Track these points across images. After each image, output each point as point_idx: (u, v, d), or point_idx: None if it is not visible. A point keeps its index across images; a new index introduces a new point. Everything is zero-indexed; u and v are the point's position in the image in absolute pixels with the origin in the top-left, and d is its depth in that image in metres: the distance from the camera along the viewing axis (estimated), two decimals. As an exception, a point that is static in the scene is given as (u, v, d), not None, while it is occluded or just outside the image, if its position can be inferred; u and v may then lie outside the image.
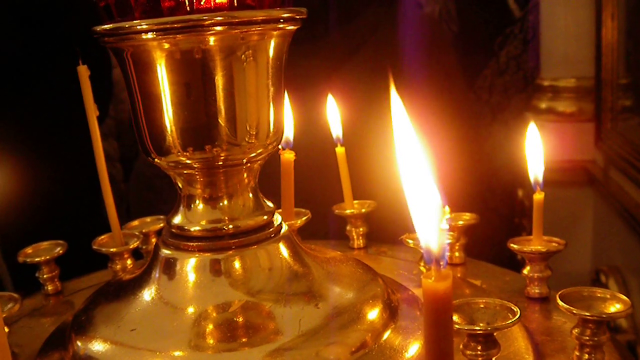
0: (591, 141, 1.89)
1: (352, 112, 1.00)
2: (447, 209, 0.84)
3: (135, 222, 0.94)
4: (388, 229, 0.85)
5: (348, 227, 0.97)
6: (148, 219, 0.95)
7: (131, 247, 0.87)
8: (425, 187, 0.40)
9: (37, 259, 0.86)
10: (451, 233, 0.81)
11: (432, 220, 0.39)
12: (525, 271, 0.77)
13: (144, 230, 0.92)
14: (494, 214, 1.86)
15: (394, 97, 0.45)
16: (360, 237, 0.96)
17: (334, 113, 0.90)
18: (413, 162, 0.41)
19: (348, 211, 0.95)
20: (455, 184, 1.42)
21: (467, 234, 0.90)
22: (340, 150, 0.90)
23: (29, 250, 0.87)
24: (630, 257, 1.60)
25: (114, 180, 2.47)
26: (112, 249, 0.86)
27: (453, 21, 2.13)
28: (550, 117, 1.98)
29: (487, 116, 2.14)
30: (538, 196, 0.76)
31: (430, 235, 0.39)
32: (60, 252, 0.87)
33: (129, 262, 0.88)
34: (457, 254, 0.89)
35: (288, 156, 0.82)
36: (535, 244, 0.77)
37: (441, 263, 0.38)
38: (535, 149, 0.78)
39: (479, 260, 0.90)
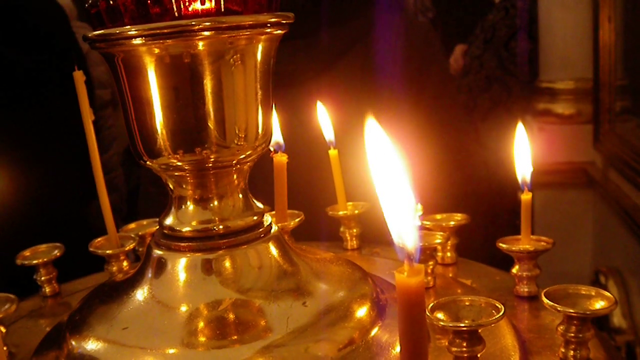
0: (590, 143, 1.90)
1: (343, 114, 1.01)
2: (419, 206, 0.86)
3: (132, 225, 0.96)
4: (381, 230, 0.86)
5: (342, 229, 0.98)
6: (144, 222, 0.96)
7: (127, 249, 0.88)
8: (398, 186, 0.42)
9: (34, 262, 0.87)
10: (442, 233, 0.82)
11: (404, 218, 0.40)
12: (514, 270, 0.78)
13: (139, 233, 0.93)
14: (496, 216, 1.86)
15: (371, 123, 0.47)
16: (354, 238, 0.97)
17: (324, 118, 0.91)
18: (385, 162, 0.43)
19: (341, 212, 0.96)
20: (456, 187, 1.43)
21: (459, 234, 0.91)
22: (333, 152, 0.91)
23: (26, 252, 0.89)
24: (630, 258, 1.61)
25: (117, 188, 2.49)
26: (108, 251, 0.88)
27: (428, 9, 2.15)
28: (549, 118, 1.99)
29: (485, 119, 2.15)
30: (525, 196, 0.77)
31: (403, 232, 0.40)
32: (58, 254, 0.88)
33: (125, 263, 0.89)
34: (448, 254, 0.90)
35: (281, 159, 0.83)
36: (523, 243, 0.78)
37: (413, 259, 0.39)
38: (523, 150, 0.79)
39: (470, 260, 0.91)
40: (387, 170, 0.41)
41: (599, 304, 0.62)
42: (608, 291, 0.65)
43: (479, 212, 1.60)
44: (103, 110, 2.45)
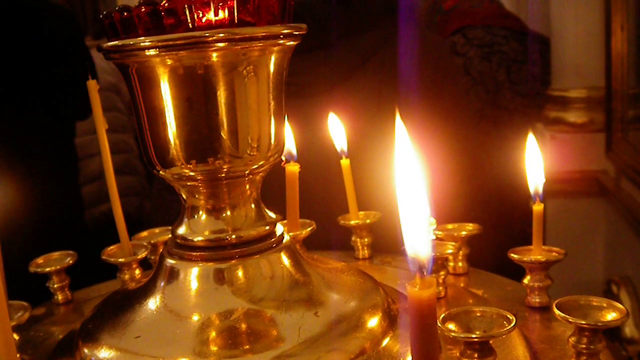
0: (602, 151, 1.90)
1: (358, 124, 1.01)
2: (432, 220, 0.86)
3: (144, 233, 0.96)
4: (393, 240, 0.87)
5: (353, 238, 0.98)
6: (157, 230, 0.97)
7: (139, 257, 0.88)
8: (415, 199, 0.42)
9: (47, 269, 0.88)
10: (453, 243, 0.82)
11: (418, 230, 0.40)
12: (526, 281, 0.78)
13: (152, 241, 0.93)
14: (508, 225, 1.86)
15: (399, 125, 0.47)
16: (365, 248, 0.97)
17: (336, 128, 0.92)
18: (407, 174, 0.43)
19: (353, 222, 0.96)
20: (468, 196, 1.43)
21: (471, 244, 0.91)
22: (345, 162, 0.92)
23: (39, 260, 0.89)
24: (642, 267, 1.60)
25: (135, 171, 2.50)
26: (120, 259, 0.88)
27: None
28: (562, 127, 1.99)
29: (500, 130, 2.15)
30: (537, 207, 0.77)
31: (416, 244, 0.40)
32: (71, 262, 0.89)
33: (137, 272, 0.89)
34: (460, 264, 0.90)
35: (293, 168, 0.84)
36: (535, 253, 0.78)
37: (425, 271, 0.40)
38: (535, 161, 0.79)
39: (481, 270, 0.91)
40: (409, 180, 0.41)
41: (610, 315, 0.62)
42: (620, 301, 0.64)
43: (491, 221, 1.60)
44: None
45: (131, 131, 2.53)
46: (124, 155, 2.45)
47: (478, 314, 0.59)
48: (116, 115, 2.49)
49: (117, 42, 0.61)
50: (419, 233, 0.40)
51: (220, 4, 0.59)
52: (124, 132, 2.53)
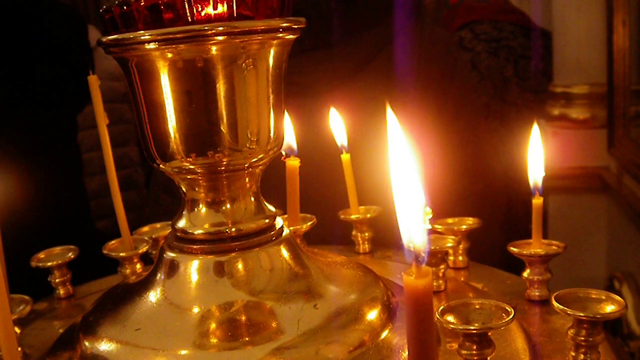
0: (604, 147, 1.89)
1: (362, 119, 1.01)
2: (429, 209, 0.86)
3: (146, 228, 0.96)
4: (393, 234, 0.87)
5: (354, 232, 0.98)
6: (158, 225, 0.97)
7: (140, 251, 0.89)
8: (410, 188, 0.42)
9: (49, 264, 0.88)
10: (453, 237, 0.82)
11: (413, 220, 0.40)
12: (525, 274, 0.78)
13: (153, 236, 0.94)
14: (512, 221, 1.86)
15: (390, 116, 0.47)
16: (366, 242, 0.98)
17: (337, 123, 0.92)
18: (402, 165, 0.43)
19: (354, 216, 0.96)
20: (476, 197, 1.43)
21: (475, 239, 0.91)
22: (345, 157, 0.92)
23: (41, 255, 0.90)
24: (644, 263, 1.60)
25: (136, 184, 2.49)
26: (121, 254, 0.88)
27: None
28: (564, 123, 1.98)
29: (508, 125, 2.15)
30: (537, 201, 0.77)
31: (412, 234, 0.40)
32: (72, 256, 0.89)
33: (138, 266, 0.90)
34: (460, 257, 0.90)
35: (293, 163, 0.84)
36: (534, 247, 0.78)
37: (421, 261, 0.40)
38: (537, 154, 0.79)
39: (482, 264, 0.91)
40: (402, 171, 0.41)
41: (609, 308, 0.62)
42: (622, 297, 0.65)
43: (499, 220, 1.60)
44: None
45: (135, 144, 2.50)
46: (126, 170, 2.42)
47: (477, 307, 0.59)
48: (120, 129, 2.45)
49: (116, 35, 0.62)
50: (415, 222, 0.41)
51: (219, -2, 0.59)
52: (127, 145, 2.49)
